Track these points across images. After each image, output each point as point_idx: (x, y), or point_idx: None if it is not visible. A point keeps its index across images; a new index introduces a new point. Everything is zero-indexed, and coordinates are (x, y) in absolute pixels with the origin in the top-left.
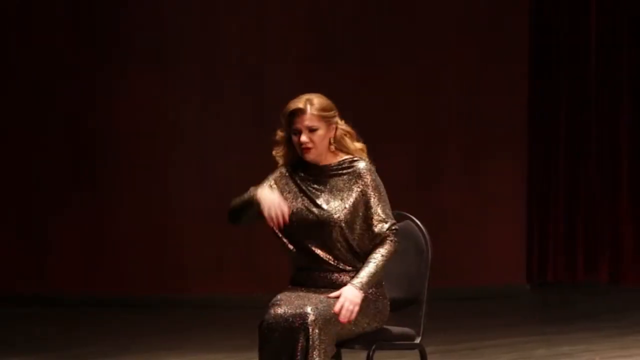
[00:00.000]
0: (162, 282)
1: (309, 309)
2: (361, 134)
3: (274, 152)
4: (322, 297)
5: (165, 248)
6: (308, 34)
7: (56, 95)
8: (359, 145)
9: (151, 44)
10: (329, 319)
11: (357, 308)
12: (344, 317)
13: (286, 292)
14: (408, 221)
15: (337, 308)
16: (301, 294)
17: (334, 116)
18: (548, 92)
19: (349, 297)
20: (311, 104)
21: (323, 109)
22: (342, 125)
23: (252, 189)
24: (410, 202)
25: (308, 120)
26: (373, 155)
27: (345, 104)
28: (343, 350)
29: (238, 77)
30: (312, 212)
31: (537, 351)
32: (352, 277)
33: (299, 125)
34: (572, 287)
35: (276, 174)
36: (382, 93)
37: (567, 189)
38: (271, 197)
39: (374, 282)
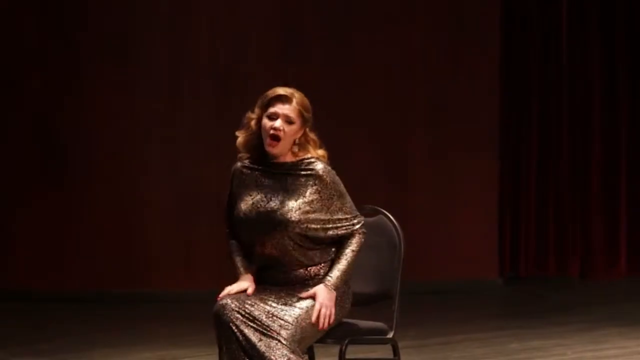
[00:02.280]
0: (129, 278)
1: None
2: (329, 129)
3: (237, 132)
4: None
5: (133, 243)
6: (276, 33)
7: (24, 93)
8: (320, 152)
9: (120, 41)
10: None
11: (333, 310)
12: (322, 324)
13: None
14: (381, 216)
15: (314, 318)
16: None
17: (309, 120)
18: (519, 88)
19: (324, 302)
20: (295, 96)
21: (305, 108)
22: (309, 133)
23: (235, 256)
24: (381, 197)
25: (290, 110)
26: (341, 150)
27: (314, 102)
28: (315, 345)
29: (207, 75)
30: (266, 211)
31: (509, 346)
32: (312, 270)
33: (279, 111)
34: (543, 281)
35: (233, 175)
36: (351, 90)
37: (539, 184)
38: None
39: (347, 278)
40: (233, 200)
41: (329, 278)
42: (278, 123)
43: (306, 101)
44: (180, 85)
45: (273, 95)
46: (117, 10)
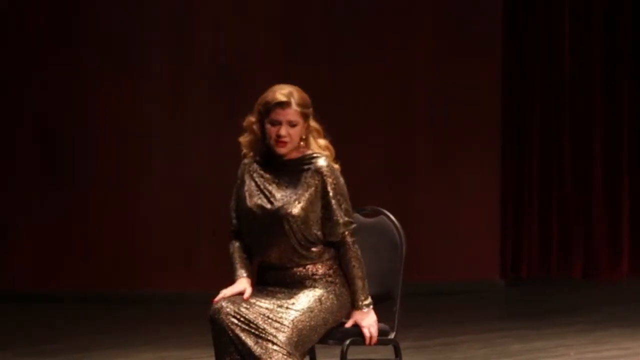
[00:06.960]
0: (132, 278)
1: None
2: (332, 130)
3: (240, 139)
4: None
5: (136, 244)
6: (278, 33)
7: (26, 93)
8: (322, 142)
9: (122, 42)
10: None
11: (375, 327)
12: (372, 342)
13: (245, 305)
14: (382, 216)
15: (367, 340)
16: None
17: (310, 114)
18: (521, 88)
19: (366, 324)
20: (294, 97)
21: (304, 105)
22: (312, 122)
23: (236, 260)
24: (383, 197)
25: (292, 114)
26: (344, 151)
27: (316, 101)
28: (317, 346)
29: (208, 76)
30: (267, 208)
31: (511, 347)
32: (315, 269)
33: (280, 118)
34: (545, 282)
35: (240, 173)
36: (353, 89)
37: (541, 184)
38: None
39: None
40: (239, 198)
41: (356, 302)
42: (283, 131)
43: (305, 97)
44: (182, 86)
45: (273, 102)
46: (119, 11)
